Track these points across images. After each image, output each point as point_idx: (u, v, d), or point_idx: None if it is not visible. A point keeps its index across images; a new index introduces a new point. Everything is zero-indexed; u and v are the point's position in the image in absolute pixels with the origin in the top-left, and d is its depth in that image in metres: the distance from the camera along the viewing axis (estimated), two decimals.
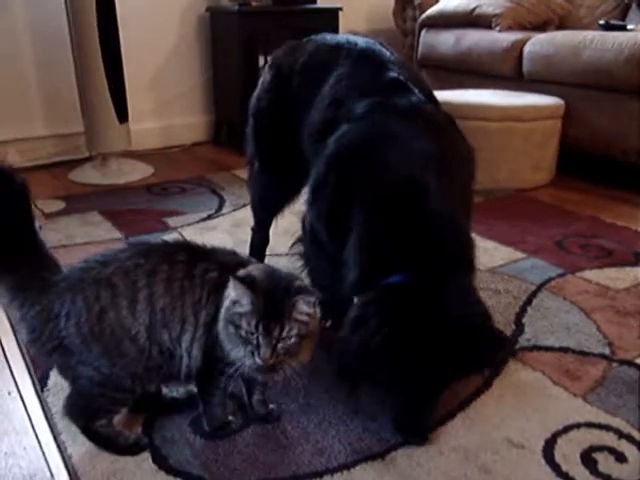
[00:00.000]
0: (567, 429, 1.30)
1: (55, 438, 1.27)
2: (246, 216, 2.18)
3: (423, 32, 3.78)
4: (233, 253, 1.26)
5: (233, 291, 1.09)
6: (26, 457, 1.23)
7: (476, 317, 1.24)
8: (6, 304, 1.20)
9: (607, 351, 1.57)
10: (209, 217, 2.54)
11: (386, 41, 1.69)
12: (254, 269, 1.15)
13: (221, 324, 1.12)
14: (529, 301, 1.82)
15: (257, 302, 1.07)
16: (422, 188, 1.31)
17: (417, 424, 1.26)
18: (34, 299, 1.16)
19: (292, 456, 1.22)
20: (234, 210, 2.61)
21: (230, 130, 3.68)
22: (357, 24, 3.94)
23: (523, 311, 1.76)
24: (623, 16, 3.50)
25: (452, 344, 1.18)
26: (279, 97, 1.76)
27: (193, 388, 1.29)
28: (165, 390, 1.36)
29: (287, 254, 1.89)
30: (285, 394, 1.39)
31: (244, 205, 2.49)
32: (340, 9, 3.64)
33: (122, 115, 3.06)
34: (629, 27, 3.13)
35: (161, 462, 1.20)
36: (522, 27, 3.40)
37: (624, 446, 1.25)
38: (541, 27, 3.47)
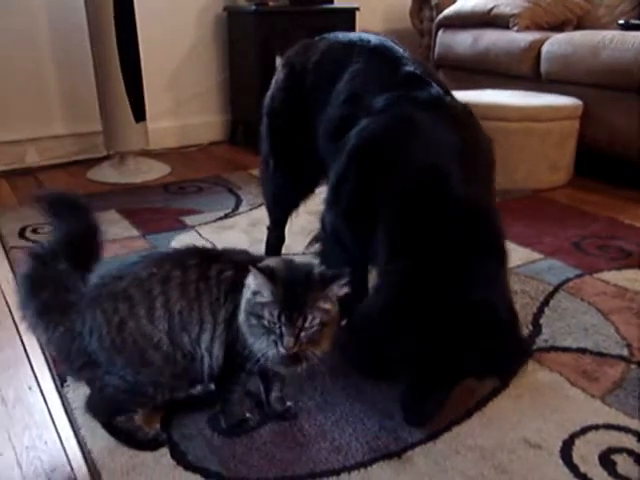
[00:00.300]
0: (585, 430, 1.29)
1: (75, 433, 1.29)
2: (262, 215, 2.19)
3: (440, 32, 3.77)
4: (245, 252, 1.26)
5: (253, 282, 1.10)
6: (47, 451, 1.25)
7: (499, 309, 1.20)
8: (32, 328, 1.23)
9: (625, 352, 1.56)
10: (226, 216, 2.55)
11: (402, 41, 1.68)
12: (272, 261, 1.16)
13: (242, 317, 1.12)
14: (546, 302, 1.81)
15: (277, 292, 1.07)
16: (448, 176, 1.30)
17: (418, 407, 1.25)
18: (57, 320, 1.19)
19: (309, 454, 1.22)
20: (251, 209, 2.62)
21: (247, 130, 3.69)
22: (374, 24, 3.93)
23: (540, 312, 1.76)
24: None
25: (467, 329, 1.16)
26: (293, 96, 1.77)
27: (211, 385, 1.30)
28: None
29: (304, 253, 1.90)
30: (302, 392, 1.39)
31: (260, 204, 2.50)
32: (357, 9, 3.65)
33: (139, 114, 3.08)
34: None
35: (179, 458, 1.21)
36: (540, 27, 3.38)
37: None
38: (559, 27, 3.44)
